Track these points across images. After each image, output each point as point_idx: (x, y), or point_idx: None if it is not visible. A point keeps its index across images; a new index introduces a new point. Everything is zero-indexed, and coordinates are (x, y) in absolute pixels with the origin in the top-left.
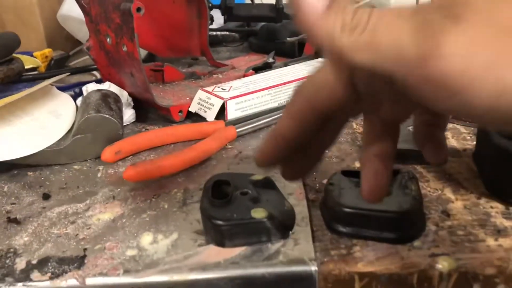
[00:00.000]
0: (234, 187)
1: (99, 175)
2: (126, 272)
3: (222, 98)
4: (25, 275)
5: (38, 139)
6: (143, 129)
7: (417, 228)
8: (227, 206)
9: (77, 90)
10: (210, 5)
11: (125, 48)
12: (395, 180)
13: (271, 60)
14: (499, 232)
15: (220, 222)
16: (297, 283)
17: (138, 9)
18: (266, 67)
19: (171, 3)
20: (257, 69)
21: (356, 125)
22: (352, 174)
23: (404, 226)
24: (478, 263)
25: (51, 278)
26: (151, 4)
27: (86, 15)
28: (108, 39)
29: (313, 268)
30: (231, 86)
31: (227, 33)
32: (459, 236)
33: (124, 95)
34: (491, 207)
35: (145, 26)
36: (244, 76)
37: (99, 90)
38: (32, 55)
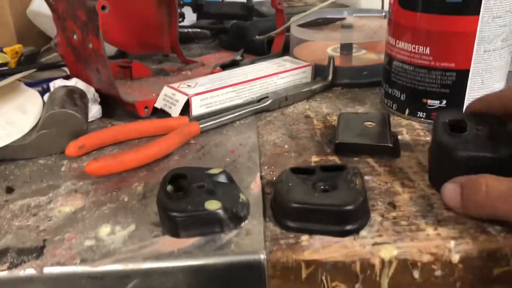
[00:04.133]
0: (191, 180)
1: (63, 169)
2: (83, 261)
3: (186, 95)
4: None
5: (4, 134)
6: (109, 125)
7: (360, 221)
8: (182, 199)
9: (45, 86)
10: (181, 2)
11: (91, 45)
12: (340, 176)
13: (239, 57)
14: (439, 222)
15: (174, 214)
16: (247, 271)
17: (103, 7)
18: (233, 64)
19: (141, 1)
20: (225, 66)
21: (317, 121)
22: (300, 171)
23: (347, 219)
24: (417, 250)
25: (9, 268)
26: (120, 2)
27: (53, 11)
28: (74, 36)
29: (262, 256)
30: (196, 83)
31: (199, 30)
32: (401, 226)
33: (90, 91)
34: (435, 199)
35: (115, 23)
36: (212, 73)
37: (65, 86)
38: (2, 51)
